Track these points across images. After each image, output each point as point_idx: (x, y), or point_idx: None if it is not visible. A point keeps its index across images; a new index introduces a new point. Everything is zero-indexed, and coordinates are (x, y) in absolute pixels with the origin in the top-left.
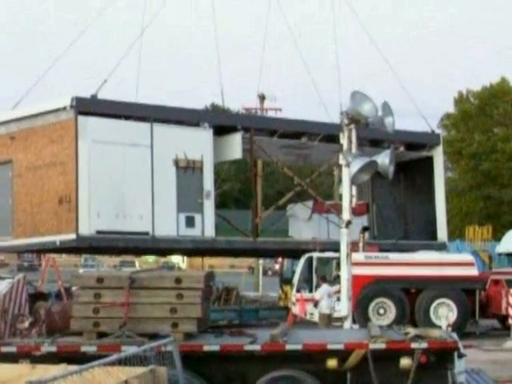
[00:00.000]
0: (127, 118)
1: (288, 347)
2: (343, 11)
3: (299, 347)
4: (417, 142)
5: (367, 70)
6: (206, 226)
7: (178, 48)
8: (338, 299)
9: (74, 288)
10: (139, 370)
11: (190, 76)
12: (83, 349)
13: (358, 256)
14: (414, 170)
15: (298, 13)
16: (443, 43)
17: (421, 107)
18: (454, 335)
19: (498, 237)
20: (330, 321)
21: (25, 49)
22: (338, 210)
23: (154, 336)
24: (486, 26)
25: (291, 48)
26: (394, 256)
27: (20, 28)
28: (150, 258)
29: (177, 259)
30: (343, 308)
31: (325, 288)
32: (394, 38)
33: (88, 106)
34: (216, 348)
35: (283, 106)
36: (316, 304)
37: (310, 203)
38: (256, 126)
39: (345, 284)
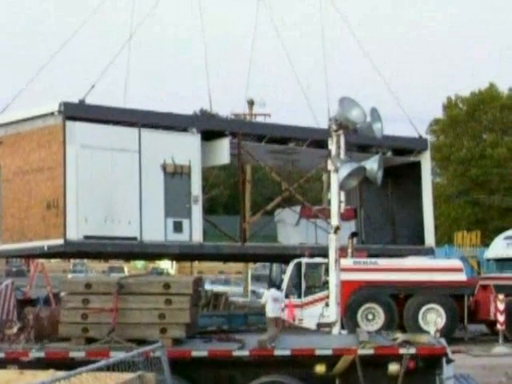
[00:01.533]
0: (115, 123)
1: (276, 353)
2: (334, 16)
3: (288, 353)
4: (404, 147)
5: (356, 75)
6: (194, 231)
7: (167, 53)
8: (327, 305)
9: (62, 293)
10: (127, 375)
11: (179, 81)
12: (71, 354)
13: (347, 262)
14: (401, 175)
15: (287, 18)
16: (442, 43)
17: (409, 112)
18: (443, 341)
19: (486, 242)
20: (276, 324)
21: (25, 49)
22: (325, 215)
23: (142, 341)
24: (486, 26)
25: (280, 53)
26: (382, 262)
27: (20, 28)
28: (139, 264)
29: (166, 265)
30: (332, 313)
31: (270, 292)
32: (393, 38)
33: (76, 111)
34: (204, 353)
35: (272, 112)
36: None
37: (298, 208)
38: (244, 131)
39: (333, 290)
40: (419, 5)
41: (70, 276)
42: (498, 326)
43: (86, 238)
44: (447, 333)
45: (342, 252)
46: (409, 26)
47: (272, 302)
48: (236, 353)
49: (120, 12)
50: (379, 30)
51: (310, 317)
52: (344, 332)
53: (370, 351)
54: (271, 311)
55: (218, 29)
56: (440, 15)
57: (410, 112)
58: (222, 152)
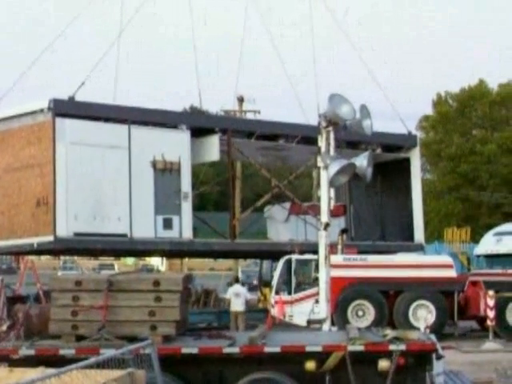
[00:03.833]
0: (105, 119)
1: (266, 349)
2: (324, 15)
3: (278, 349)
4: (394, 144)
5: (346, 72)
6: (184, 227)
7: (156, 50)
8: (317, 301)
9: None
10: (117, 372)
11: (169, 78)
12: (61, 352)
13: (337, 258)
14: (391, 171)
15: (279, 18)
16: (441, 43)
17: (399, 109)
18: (433, 337)
19: (476, 239)
20: (239, 318)
21: (24, 49)
22: (315, 211)
23: (132, 339)
24: (486, 26)
25: (270, 50)
26: (372, 258)
27: (20, 28)
28: (129, 261)
29: (156, 261)
30: (322, 310)
31: (233, 288)
32: (393, 37)
33: (66, 108)
34: (194, 350)
35: (262, 109)
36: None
37: (288, 205)
38: (233, 127)
39: (323, 286)
40: (419, 5)
41: (59, 273)
42: (488, 322)
43: (76, 234)
44: (437, 329)
45: (332, 248)
46: (409, 26)
47: (234, 297)
48: (226, 350)
49: (111, 11)
50: (379, 30)
51: (300, 313)
52: (334, 328)
53: (360, 348)
54: (233, 306)
55: (208, 28)
56: (440, 15)
57: (399, 109)
58: (212, 149)
